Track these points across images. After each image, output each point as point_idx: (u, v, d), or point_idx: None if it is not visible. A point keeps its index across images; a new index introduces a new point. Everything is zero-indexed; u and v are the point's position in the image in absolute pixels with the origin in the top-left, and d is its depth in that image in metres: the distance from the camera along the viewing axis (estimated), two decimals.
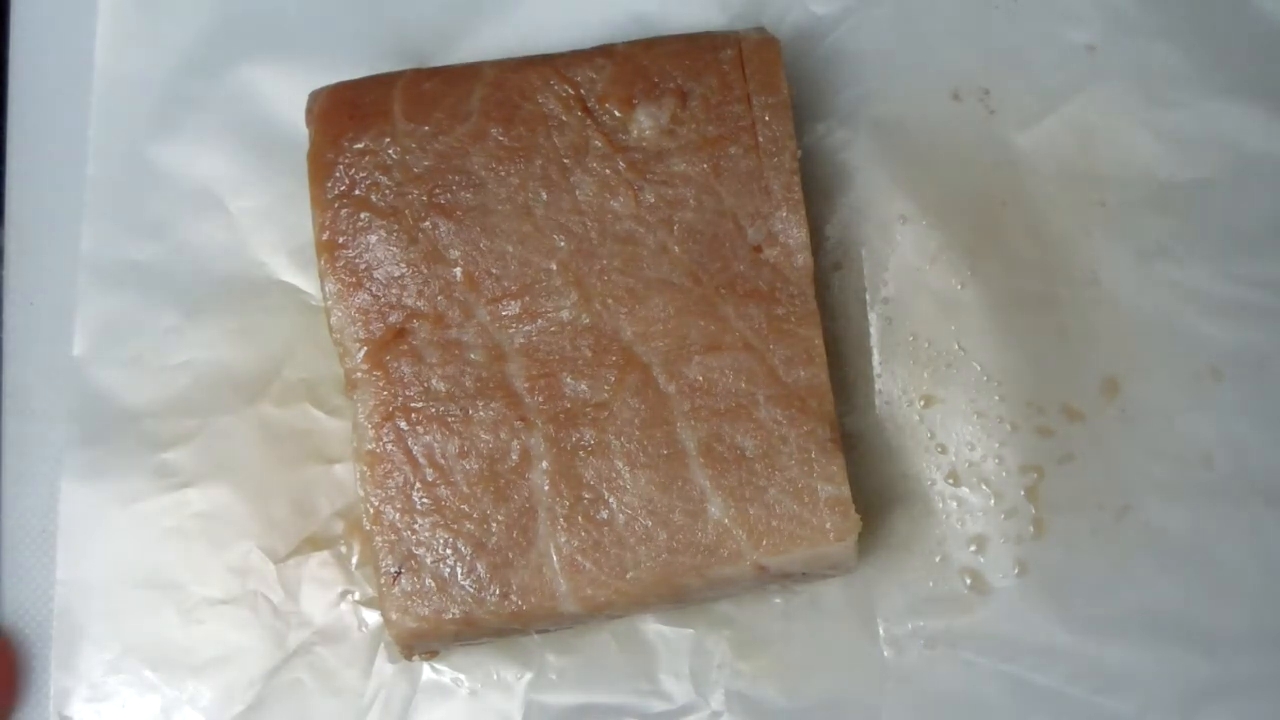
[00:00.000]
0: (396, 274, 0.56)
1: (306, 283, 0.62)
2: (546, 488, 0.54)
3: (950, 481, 0.60)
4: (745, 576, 0.54)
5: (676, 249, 0.56)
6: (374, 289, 0.56)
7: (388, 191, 0.56)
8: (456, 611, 0.54)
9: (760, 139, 0.57)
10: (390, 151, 0.56)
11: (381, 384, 0.55)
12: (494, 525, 0.54)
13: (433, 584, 0.54)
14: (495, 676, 0.59)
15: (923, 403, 0.61)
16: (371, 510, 0.54)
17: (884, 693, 0.58)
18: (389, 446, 0.55)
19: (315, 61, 0.63)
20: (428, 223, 0.56)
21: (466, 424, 0.55)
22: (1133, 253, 0.61)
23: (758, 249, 0.56)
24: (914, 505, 0.60)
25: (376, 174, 0.56)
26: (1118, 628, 0.58)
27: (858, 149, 0.62)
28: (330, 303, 0.56)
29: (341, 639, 0.59)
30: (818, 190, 0.62)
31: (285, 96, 0.62)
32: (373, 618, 0.59)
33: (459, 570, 0.54)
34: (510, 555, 0.54)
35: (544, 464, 0.55)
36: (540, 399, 0.55)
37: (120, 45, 0.64)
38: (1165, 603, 0.58)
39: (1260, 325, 0.60)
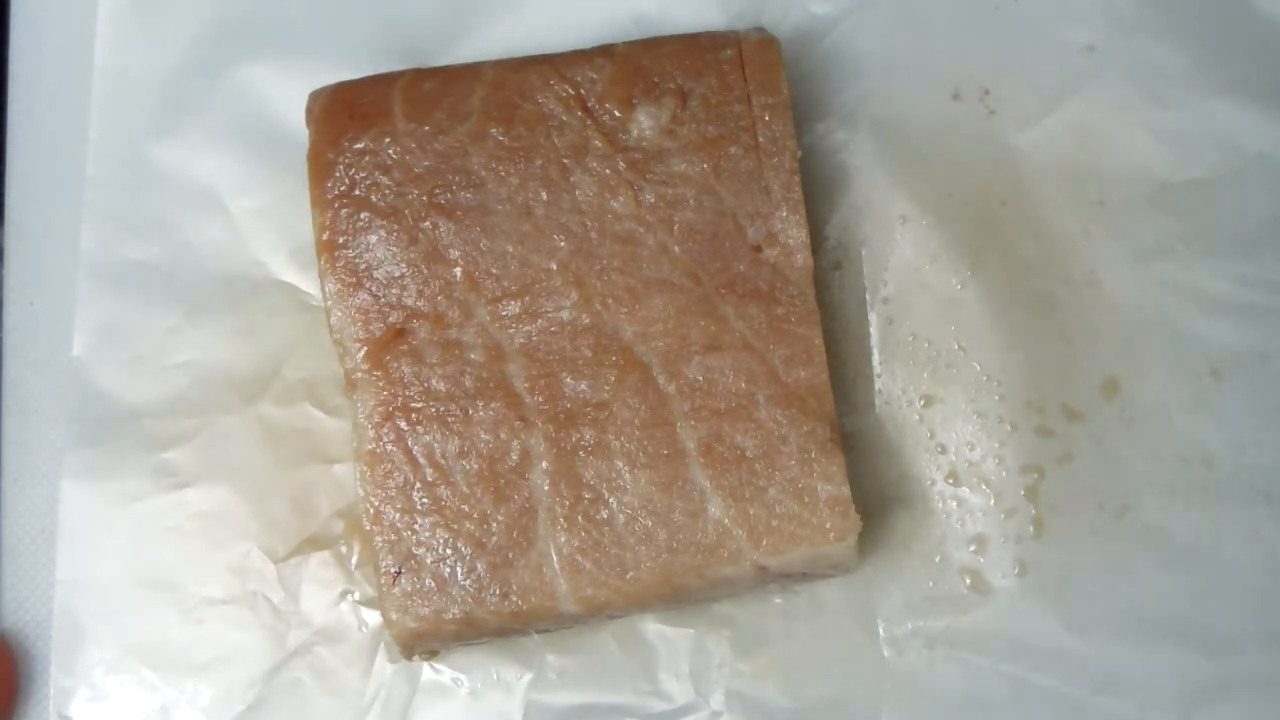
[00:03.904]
0: (396, 274, 0.56)
1: (306, 283, 0.62)
2: (546, 488, 0.54)
3: (950, 481, 0.60)
4: (745, 576, 0.54)
5: (676, 249, 0.56)
6: (374, 289, 0.56)
7: (388, 191, 0.56)
8: (456, 611, 0.54)
9: (760, 139, 0.57)
10: (390, 151, 0.56)
11: (381, 384, 0.55)
12: (494, 525, 0.54)
13: (433, 584, 0.54)
14: (495, 676, 0.59)
15: (923, 403, 0.61)
16: (371, 510, 0.54)
17: (884, 693, 0.58)
18: (389, 446, 0.55)
19: (315, 61, 0.63)
20: (428, 223, 0.56)
21: (466, 424, 0.55)
22: (1133, 253, 0.61)
23: (758, 249, 0.56)
24: (914, 505, 0.60)
25: (376, 174, 0.56)
26: (1118, 628, 0.58)
27: (858, 149, 0.62)
28: (330, 303, 0.56)
29: (341, 639, 0.59)
30: (818, 190, 0.62)
31: (285, 96, 0.62)
32: (373, 618, 0.59)
33: (459, 570, 0.54)
34: (510, 555, 0.54)
35: (544, 464, 0.55)
36: (540, 399, 0.55)
37: (120, 45, 0.64)
38: (1165, 603, 0.58)
39: (1260, 325, 0.60)
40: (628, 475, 0.54)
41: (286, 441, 0.61)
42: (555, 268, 0.56)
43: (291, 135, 0.61)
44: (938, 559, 0.59)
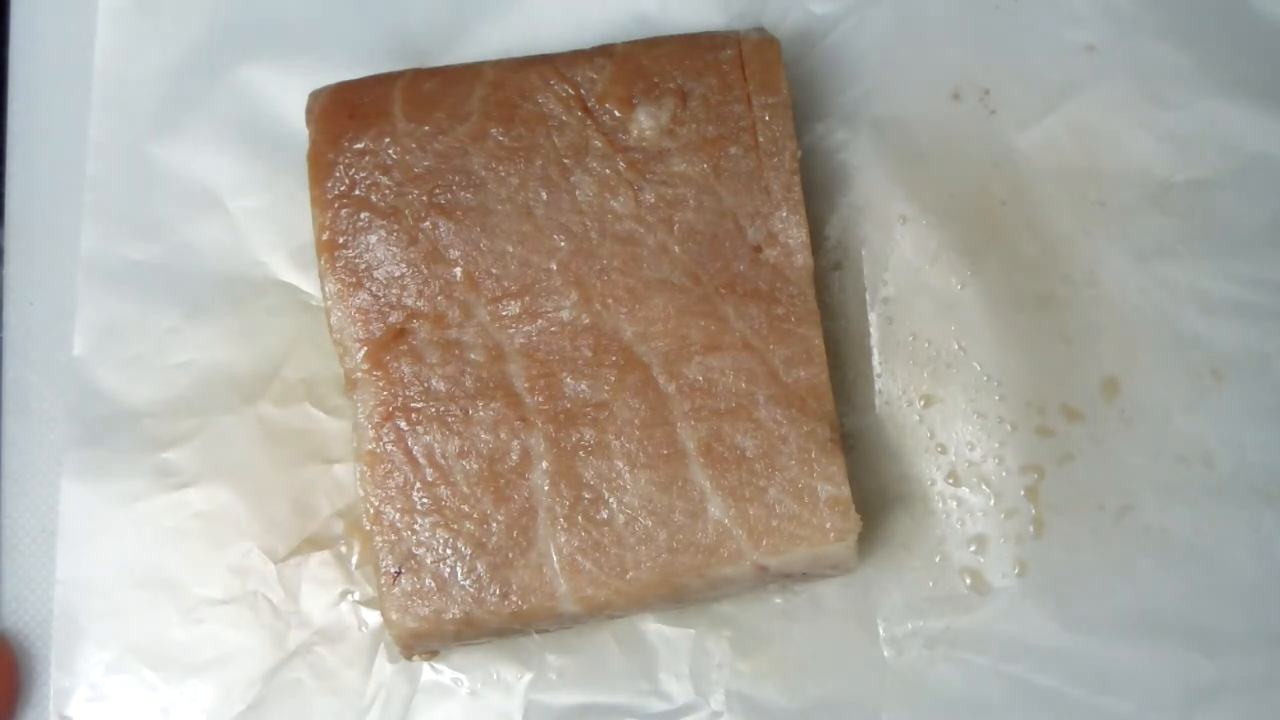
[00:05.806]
0: (396, 274, 0.56)
1: (306, 283, 0.62)
2: (546, 488, 0.54)
3: (950, 481, 0.60)
4: (745, 576, 0.54)
5: (676, 249, 0.56)
6: (374, 289, 0.56)
7: (388, 191, 0.56)
8: (456, 611, 0.54)
9: (760, 139, 0.57)
10: (390, 151, 0.56)
11: (381, 384, 0.55)
12: (494, 525, 0.54)
13: (433, 584, 0.54)
14: (495, 676, 0.59)
15: (923, 403, 0.61)
16: (371, 510, 0.54)
17: (884, 693, 0.58)
18: (389, 446, 0.55)
19: (315, 61, 0.63)
20: (428, 223, 0.56)
21: (466, 424, 0.55)
22: (1133, 253, 0.61)
23: (758, 249, 0.56)
24: (914, 505, 0.60)
25: (376, 174, 0.56)
26: (1118, 628, 0.58)
27: (858, 149, 0.62)
28: (330, 303, 0.56)
29: (341, 639, 0.59)
30: (818, 190, 0.62)
31: (285, 96, 0.62)
32: (373, 618, 0.59)
33: (459, 570, 0.54)
34: (510, 555, 0.54)
35: (544, 464, 0.55)
36: (540, 399, 0.55)
37: (120, 45, 0.64)
38: (1165, 603, 0.58)
39: (1260, 325, 0.60)
40: (628, 475, 0.54)
41: (286, 441, 0.61)
42: (555, 268, 0.56)
43: (291, 135, 0.61)
44: (938, 559, 0.59)
